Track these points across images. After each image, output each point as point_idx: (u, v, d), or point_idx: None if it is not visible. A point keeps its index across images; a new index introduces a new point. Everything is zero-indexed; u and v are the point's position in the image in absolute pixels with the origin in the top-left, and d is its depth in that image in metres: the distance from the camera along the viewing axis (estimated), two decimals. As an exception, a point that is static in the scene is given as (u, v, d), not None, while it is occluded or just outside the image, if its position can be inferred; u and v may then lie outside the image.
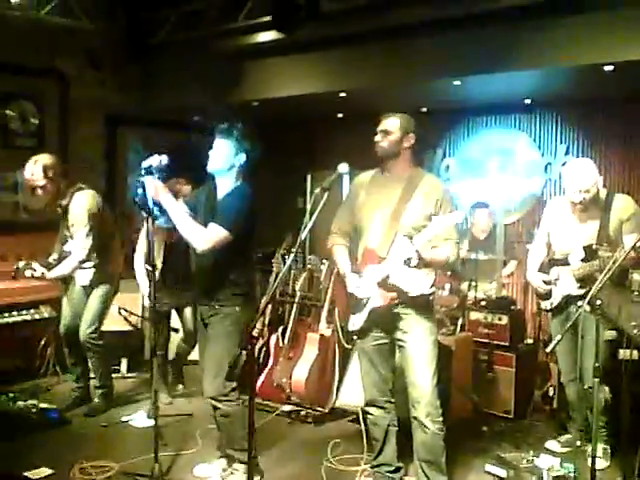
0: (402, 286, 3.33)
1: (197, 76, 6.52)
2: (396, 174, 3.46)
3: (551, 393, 4.87)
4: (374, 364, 3.55)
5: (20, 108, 6.24)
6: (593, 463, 2.81)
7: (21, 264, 4.67)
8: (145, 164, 3.64)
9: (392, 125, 3.42)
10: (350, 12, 5.18)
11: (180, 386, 5.39)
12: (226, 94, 6.50)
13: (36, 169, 4.63)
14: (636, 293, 3.23)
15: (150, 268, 3.80)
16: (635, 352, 2.66)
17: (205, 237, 3.51)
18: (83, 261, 4.73)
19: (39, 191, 4.70)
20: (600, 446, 4.02)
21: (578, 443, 4.19)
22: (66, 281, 4.91)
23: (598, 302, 2.78)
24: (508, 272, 5.78)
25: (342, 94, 5.97)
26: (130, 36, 6.23)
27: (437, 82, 5.55)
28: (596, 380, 2.79)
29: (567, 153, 6.21)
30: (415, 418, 3.41)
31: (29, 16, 5.58)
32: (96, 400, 4.96)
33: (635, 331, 2.52)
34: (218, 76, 6.41)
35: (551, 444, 4.30)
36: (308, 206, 3.12)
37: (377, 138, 3.45)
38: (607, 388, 3.93)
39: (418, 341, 3.39)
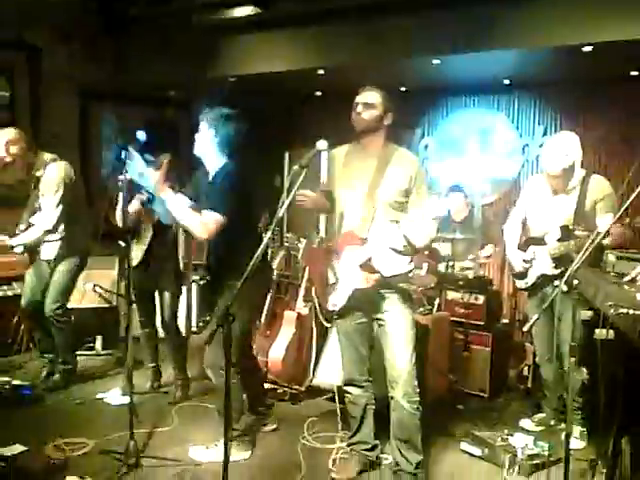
0: (384, 268, 3.30)
1: (172, 50, 6.42)
2: (371, 150, 3.40)
3: (526, 373, 4.92)
4: (353, 343, 3.55)
5: (-10, 81, 6.09)
6: (567, 442, 2.84)
7: None
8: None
9: (374, 99, 3.35)
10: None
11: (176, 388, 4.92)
12: (202, 69, 6.39)
13: (0, 147, 4.52)
14: (612, 274, 3.24)
15: (123, 244, 3.76)
16: (611, 332, 2.68)
17: (202, 226, 3.49)
18: (49, 231, 4.65)
19: (8, 168, 4.61)
20: (577, 428, 4.07)
21: (552, 422, 4.25)
22: (32, 255, 4.81)
23: (575, 282, 2.79)
24: (486, 254, 5.79)
25: (320, 71, 5.91)
26: (104, 8, 6.09)
27: (416, 61, 5.51)
28: (572, 359, 2.80)
29: (545, 134, 6.23)
30: (392, 397, 3.41)
31: (0, -15, 5.44)
32: (57, 376, 4.89)
33: (612, 311, 2.54)
34: (194, 50, 6.31)
35: (525, 423, 4.35)
36: (286, 184, 3.09)
37: (358, 109, 3.36)
38: (584, 369, 3.97)
39: (397, 321, 3.38)
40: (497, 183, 6.48)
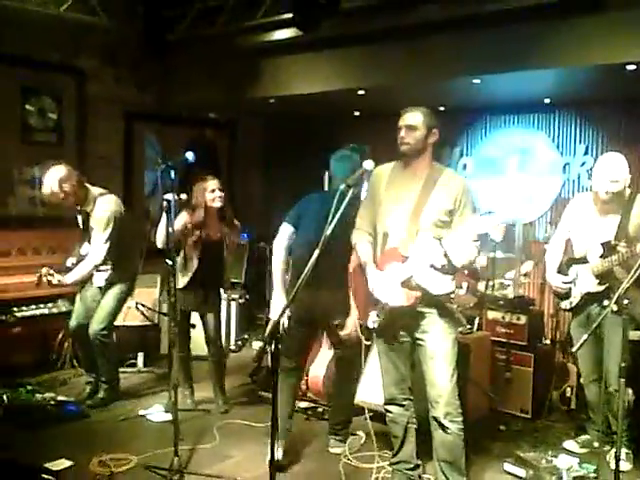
0: (426, 286, 3.29)
1: (214, 73, 6.55)
2: (417, 169, 3.41)
3: (569, 394, 4.84)
4: (394, 362, 3.53)
5: (39, 103, 6.26)
6: (617, 465, 2.80)
7: (44, 270, 4.72)
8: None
9: (417, 120, 3.36)
10: (369, 10, 5.16)
11: (220, 402, 5.01)
12: (243, 91, 6.50)
13: (53, 185, 4.67)
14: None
15: (170, 262, 3.83)
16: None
17: None
18: (98, 265, 4.79)
19: (64, 203, 4.77)
20: (622, 450, 4.00)
21: (596, 444, 4.17)
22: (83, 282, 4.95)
23: (625, 301, 2.77)
24: (525, 271, 5.75)
25: (360, 92, 5.96)
26: (148, 33, 6.22)
27: (455, 80, 5.52)
28: (622, 380, 2.77)
29: (586, 153, 6.17)
30: (434, 418, 3.39)
31: (49, 12, 5.60)
32: (101, 393, 4.98)
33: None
34: (235, 73, 6.43)
35: (569, 444, 4.29)
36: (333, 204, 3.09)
37: (401, 134, 3.37)
38: (630, 390, 3.91)
39: (438, 340, 3.36)
40: (538, 202, 6.42)
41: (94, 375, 5.05)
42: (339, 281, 3.83)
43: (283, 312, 3.04)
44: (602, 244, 3.99)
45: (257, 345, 6.06)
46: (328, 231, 3.00)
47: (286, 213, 4.31)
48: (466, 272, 5.39)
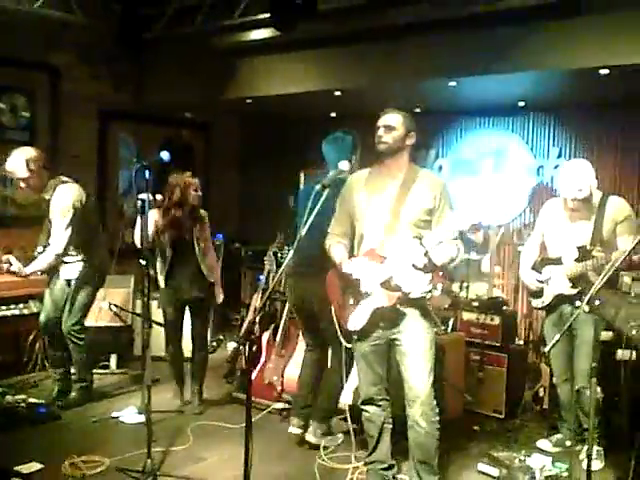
0: (406, 286, 3.29)
1: (191, 72, 6.51)
2: (394, 171, 3.42)
3: (541, 393, 4.89)
4: (371, 363, 3.53)
5: (11, 101, 6.20)
6: (589, 464, 2.83)
7: (4, 257, 4.65)
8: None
9: (396, 121, 3.38)
10: (346, 11, 5.17)
11: (196, 401, 5.01)
12: (219, 91, 6.48)
13: (18, 162, 4.59)
14: (632, 294, 3.25)
15: (144, 263, 3.80)
16: (634, 353, 2.68)
17: None
18: (59, 255, 4.70)
19: (22, 184, 4.67)
20: (594, 447, 4.04)
21: (568, 443, 4.22)
22: (50, 274, 4.86)
23: (597, 302, 2.80)
24: (498, 273, 5.79)
25: (337, 93, 5.96)
26: (124, 31, 6.17)
27: (431, 83, 5.55)
28: (593, 380, 2.80)
29: (560, 156, 6.23)
30: (410, 417, 3.40)
31: (22, 8, 5.52)
32: (74, 394, 4.92)
33: (634, 332, 2.54)
34: (212, 73, 6.40)
35: (543, 443, 4.33)
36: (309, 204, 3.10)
37: (379, 133, 3.39)
38: (599, 389, 3.95)
39: (415, 340, 3.37)
40: (511, 204, 6.48)
41: (62, 370, 4.97)
42: (321, 274, 3.80)
43: (257, 313, 3.03)
44: (578, 248, 4.03)
45: (231, 346, 6.02)
46: (303, 231, 3.02)
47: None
48: (441, 273, 5.43)
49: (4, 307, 5.44)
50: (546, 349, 3.21)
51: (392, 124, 3.38)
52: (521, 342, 5.24)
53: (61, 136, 6.52)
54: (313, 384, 4.37)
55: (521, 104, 6.25)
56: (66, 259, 4.76)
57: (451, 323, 5.11)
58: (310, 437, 4.29)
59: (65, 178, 4.79)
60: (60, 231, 4.64)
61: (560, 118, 6.28)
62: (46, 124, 6.43)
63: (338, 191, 3.55)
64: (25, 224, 5.75)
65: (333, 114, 7.37)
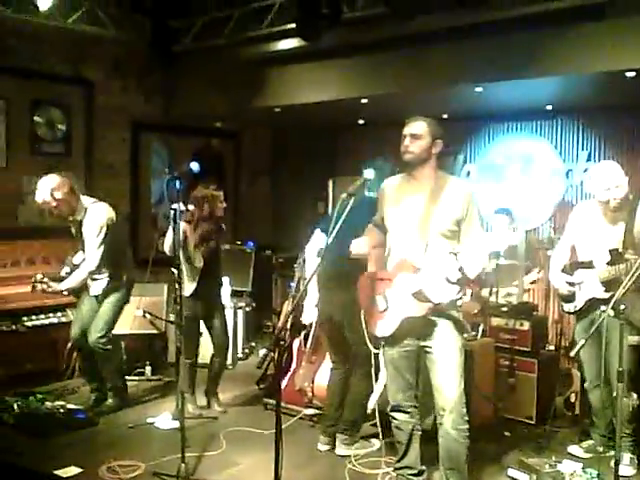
0: (436, 298, 3.31)
1: (220, 83, 6.62)
2: (423, 179, 3.44)
3: (573, 399, 4.87)
4: (400, 370, 3.56)
5: (47, 115, 6.37)
6: (616, 469, 2.83)
7: (38, 277, 4.80)
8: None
9: (422, 129, 3.38)
10: (371, 19, 5.23)
11: (216, 406, 5.18)
12: (248, 101, 6.57)
13: (44, 193, 4.75)
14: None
15: (175, 271, 3.90)
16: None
17: None
18: (92, 273, 4.86)
19: (54, 212, 4.84)
20: (627, 454, 4.03)
21: (600, 449, 4.20)
22: (78, 290, 5.02)
23: (622, 307, 2.80)
24: (531, 280, 5.77)
25: (363, 100, 6.02)
26: (155, 44, 6.32)
27: (458, 89, 5.58)
28: (620, 385, 2.81)
29: (588, 159, 6.20)
30: (440, 425, 3.42)
31: (57, 24, 5.70)
32: (110, 401, 5.05)
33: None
34: (241, 83, 6.51)
35: (574, 449, 4.31)
36: (330, 211, 3.17)
37: (406, 142, 3.40)
38: (635, 395, 3.93)
39: (445, 348, 3.39)
40: (540, 208, 6.45)
41: (95, 385, 5.11)
42: (351, 287, 3.85)
43: (286, 319, 3.09)
44: (610, 251, 4.01)
45: (262, 352, 6.11)
46: (329, 240, 3.08)
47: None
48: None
49: (42, 316, 5.62)
50: (572, 353, 3.22)
51: (418, 132, 3.38)
52: (552, 348, 5.21)
53: (95, 147, 6.69)
54: (338, 402, 4.42)
55: (548, 108, 6.24)
56: (95, 276, 4.91)
57: (481, 329, 5.12)
58: (340, 450, 4.34)
59: (93, 199, 4.95)
60: (93, 249, 4.80)
61: (588, 121, 6.26)
62: (81, 136, 6.60)
63: (366, 204, 3.60)
64: (62, 235, 5.89)
65: (361, 121, 7.43)
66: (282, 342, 2.84)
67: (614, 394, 3.93)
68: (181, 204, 4.26)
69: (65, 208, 4.82)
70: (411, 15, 5.16)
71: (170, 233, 4.43)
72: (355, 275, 3.71)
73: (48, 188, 4.75)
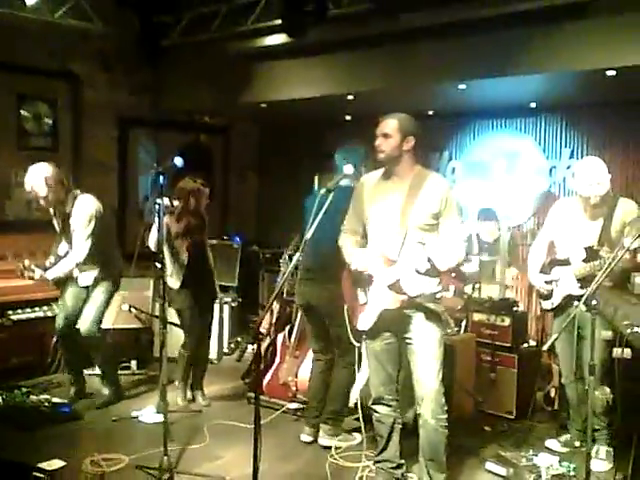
0: (412, 290, 3.37)
1: (207, 78, 6.64)
2: (400, 176, 3.50)
3: (553, 394, 4.94)
4: (382, 363, 3.63)
5: (34, 109, 6.37)
6: (587, 462, 2.89)
7: (25, 263, 4.78)
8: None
9: (391, 128, 3.44)
10: (356, 16, 5.25)
11: (200, 399, 5.24)
12: (235, 96, 6.60)
13: (37, 180, 4.75)
14: (635, 295, 3.30)
15: (159, 266, 3.94)
16: (628, 350, 2.75)
17: None
18: (80, 263, 4.87)
19: (42, 201, 4.85)
20: (603, 448, 4.10)
21: (577, 443, 4.27)
22: (64, 280, 5.03)
23: (594, 302, 2.86)
24: (513, 275, 5.83)
25: (349, 96, 6.06)
26: (142, 39, 6.32)
27: (442, 85, 5.62)
28: (591, 378, 2.87)
29: (572, 157, 6.26)
30: (420, 415, 3.50)
31: (43, 19, 5.70)
32: (106, 393, 5.09)
33: (628, 330, 2.61)
34: (228, 78, 6.53)
35: (551, 443, 4.38)
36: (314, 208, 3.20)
37: (377, 142, 3.47)
38: (608, 389, 4.00)
39: (425, 340, 3.46)
40: (524, 205, 6.52)
41: (75, 373, 5.16)
42: (331, 279, 3.94)
43: (266, 311, 3.14)
44: (585, 248, 4.08)
45: (250, 347, 6.17)
46: (308, 235, 3.13)
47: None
48: (453, 275, 5.50)
49: (28, 309, 5.66)
50: (544, 347, 3.27)
51: (387, 131, 3.45)
52: (533, 343, 5.28)
53: (83, 142, 6.69)
54: (322, 393, 4.49)
55: (532, 105, 6.29)
56: (84, 267, 4.92)
57: (463, 324, 5.19)
58: (322, 440, 4.41)
59: (78, 191, 4.95)
60: (82, 240, 4.82)
61: (571, 119, 6.31)
62: (68, 130, 6.61)
63: (344, 196, 3.65)
64: (48, 229, 5.91)
65: (348, 117, 7.46)
66: (260, 335, 2.87)
67: (587, 388, 4.03)
68: (166, 199, 4.31)
69: (53, 198, 4.82)
70: (395, 12, 5.21)
71: (155, 229, 4.46)
72: (334, 269, 3.78)
73: (41, 176, 4.75)
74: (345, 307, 3.66)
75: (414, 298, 3.40)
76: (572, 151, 6.29)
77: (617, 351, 2.82)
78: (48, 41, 6.21)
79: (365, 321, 3.53)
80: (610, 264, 2.91)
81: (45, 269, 4.85)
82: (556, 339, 3.08)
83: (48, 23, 5.78)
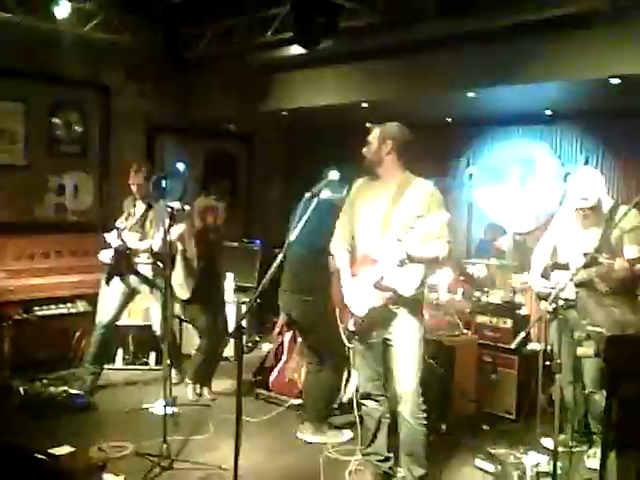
0: (395, 286, 3.49)
1: (230, 88, 6.89)
2: (385, 180, 3.65)
3: (554, 396, 4.95)
4: (367, 360, 3.76)
5: (65, 117, 6.70)
6: (555, 457, 2.95)
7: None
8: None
9: (372, 136, 3.65)
10: (368, 27, 5.39)
11: (206, 394, 5.44)
12: (256, 104, 6.83)
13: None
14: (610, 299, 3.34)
15: (161, 265, 4.15)
16: (588, 350, 2.81)
17: None
18: (148, 250, 5.17)
19: (134, 189, 5.30)
20: (598, 450, 4.12)
21: (571, 444, 4.30)
22: (111, 277, 5.28)
23: (560, 303, 2.93)
24: (522, 280, 5.85)
25: (364, 105, 6.21)
26: (169, 50, 6.59)
27: (455, 94, 5.72)
28: (559, 376, 2.94)
29: (587, 163, 6.29)
30: (399, 413, 3.62)
31: (75, 32, 6.01)
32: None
33: (589, 327, 2.68)
34: (249, 87, 6.77)
35: (547, 442, 4.42)
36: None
37: (363, 149, 3.69)
38: (605, 392, 4.01)
39: (404, 341, 3.57)
40: (540, 210, 6.55)
41: (98, 367, 5.40)
42: (309, 291, 4.17)
43: (247, 312, 3.32)
44: (584, 255, 4.12)
45: (267, 347, 6.35)
46: (292, 237, 3.27)
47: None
48: (462, 278, 5.60)
49: (54, 306, 5.95)
50: (512, 345, 3.34)
51: (369, 139, 3.67)
52: (536, 345, 5.30)
53: (111, 149, 7.00)
54: (313, 394, 4.75)
55: (548, 113, 6.33)
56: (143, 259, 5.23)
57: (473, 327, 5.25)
58: (302, 435, 4.62)
59: None
60: (160, 235, 5.05)
61: (587, 126, 6.34)
62: (97, 138, 6.93)
63: (330, 204, 3.81)
64: (75, 230, 6.25)
65: (368, 124, 7.57)
66: (242, 329, 3.05)
67: (585, 391, 4.09)
68: (177, 203, 4.52)
69: (142, 191, 5.23)
70: (409, 23, 5.33)
71: (161, 230, 4.65)
72: (312, 280, 3.97)
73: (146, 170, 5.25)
74: (337, 309, 3.79)
75: (397, 294, 3.51)
76: (587, 158, 6.31)
77: (582, 350, 2.89)
78: (79, 52, 6.51)
79: (355, 321, 3.66)
80: (578, 269, 2.97)
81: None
82: (523, 337, 3.15)
83: (79, 36, 6.09)
